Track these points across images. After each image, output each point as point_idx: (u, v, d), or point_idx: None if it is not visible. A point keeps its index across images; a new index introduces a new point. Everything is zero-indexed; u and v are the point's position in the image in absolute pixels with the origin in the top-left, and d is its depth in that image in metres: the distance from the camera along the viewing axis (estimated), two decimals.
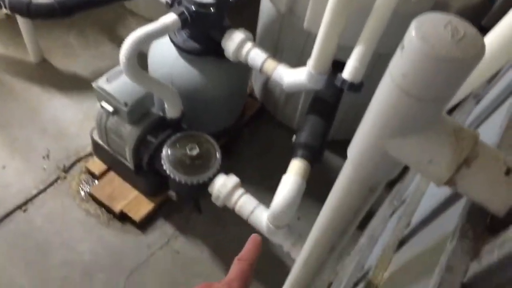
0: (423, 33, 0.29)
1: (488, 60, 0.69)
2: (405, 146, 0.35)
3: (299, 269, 0.63)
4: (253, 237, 0.49)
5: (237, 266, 0.47)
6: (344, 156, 1.56)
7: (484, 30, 0.75)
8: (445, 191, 0.55)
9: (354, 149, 0.40)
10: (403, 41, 0.31)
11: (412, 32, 0.30)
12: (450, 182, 0.34)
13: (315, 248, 0.55)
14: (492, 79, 0.91)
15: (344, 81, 1.06)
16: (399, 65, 0.32)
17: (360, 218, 0.48)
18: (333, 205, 0.48)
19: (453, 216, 0.49)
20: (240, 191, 1.18)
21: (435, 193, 0.62)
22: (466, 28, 0.30)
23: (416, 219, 0.62)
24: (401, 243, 0.62)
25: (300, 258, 0.61)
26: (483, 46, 0.29)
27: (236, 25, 1.27)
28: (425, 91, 0.31)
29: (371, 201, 0.44)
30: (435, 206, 0.54)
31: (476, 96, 0.96)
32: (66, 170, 1.53)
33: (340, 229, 0.49)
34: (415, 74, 0.30)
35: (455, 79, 0.30)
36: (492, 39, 0.78)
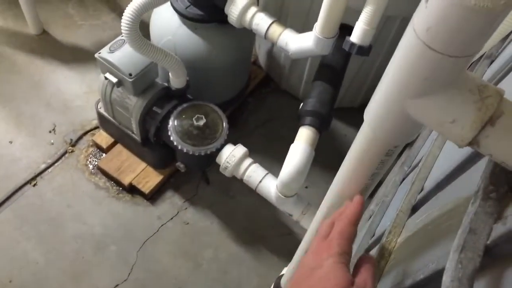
0: None
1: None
2: (427, 106, 0.33)
3: (311, 238, 0.62)
4: (357, 198, 0.44)
5: (338, 224, 0.43)
6: (349, 123, 1.55)
7: None
8: (461, 155, 0.53)
9: (372, 111, 0.39)
10: None
11: None
12: (473, 142, 0.33)
13: (329, 215, 0.54)
14: (505, 38, 0.88)
15: (352, 44, 1.02)
16: (423, 18, 0.30)
17: (375, 183, 0.47)
18: (347, 170, 0.46)
19: (471, 179, 0.48)
20: (248, 161, 1.17)
21: (449, 157, 0.60)
22: None
23: (429, 184, 0.61)
24: (415, 208, 0.62)
25: (313, 226, 0.61)
26: None
27: None
28: (450, 45, 0.29)
29: (388, 166, 0.43)
30: (450, 170, 0.53)
31: (489, 57, 0.93)
32: (73, 144, 1.53)
33: (354, 195, 0.48)
34: (441, 27, 0.28)
35: (483, 31, 0.28)
36: None
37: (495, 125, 0.32)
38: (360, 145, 0.42)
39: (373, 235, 0.79)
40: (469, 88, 0.32)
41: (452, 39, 0.29)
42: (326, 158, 1.52)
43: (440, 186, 0.55)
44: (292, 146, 1.06)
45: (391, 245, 0.59)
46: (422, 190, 0.63)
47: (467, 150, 0.52)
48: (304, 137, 1.07)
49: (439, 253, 0.40)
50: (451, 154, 0.59)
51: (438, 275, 0.36)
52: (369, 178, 0.45)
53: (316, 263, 0.40)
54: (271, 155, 1.46)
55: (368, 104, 0.40)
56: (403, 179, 0.86)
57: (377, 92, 0.38)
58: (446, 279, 0.29)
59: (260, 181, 1.15)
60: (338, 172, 0.49)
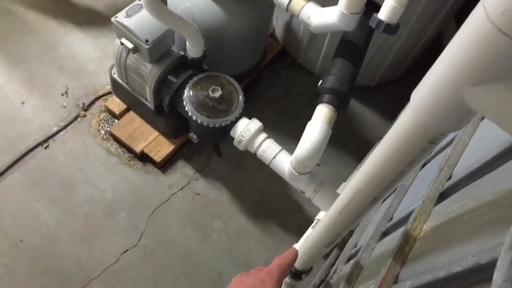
0: None
1: None
2: (486, 94, 0.31)
3: (333, 217, 0.61)
4: (292, 249, 0.60)
5: (278, 261, 0.57)
6: (365, 103, 1.52)
7: None
8: (498, 145, 0.51)
9: (421, 94, 0.37)
10: None
11: None
12: None
13: (356, 197, 0.53)
14: None
15: (380, 21, 0.99)
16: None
17: (413, 169, 0.45)
18: (384, 153, 0.45)
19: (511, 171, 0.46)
20: (263, 135, 1.16)
21: (483, 146, 0.59)
22: None
23: (459, 172, 0.60)
24: (442, 195, 0.60)
25: (336, 206, 0.60)
26: None
27: None
28: None
29: (427, 155, 0.41)
30: (486, 160, 0.51)
31: None
32: (86, 108, 1.51)
33: (389, 180, 0.47)
34: None
35: None
36: None
37: None
38: (402, 129, 0.41)
39: (391, 219, 0.78)
40: None
41: None
42: (340, 137, 1.50)
43: (473, 175, 0.54)
44: (310, 124, 1.04)
45: (416, 232, 0.58)
46: (450, 177, 0.62)
47: (506, 140, 0.50)
48: (322, 115, 1.05)
49: (478, 247, 0.39)
50: (485, 143, 0.57)
51: (478, 269, 0.35)
52: (406, 164, 0.44)
53: (259, 281, 0.53)
54: (285, 130, 1.45)
55: (417, 87, 0.38)
56: (425, 164, 0.84)
57: (430, 74, 0.36)
58: (497, 278, 0.28)
59: (274, 157, 1.13)
60: (373, 153, 0.47)
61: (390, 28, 1.00)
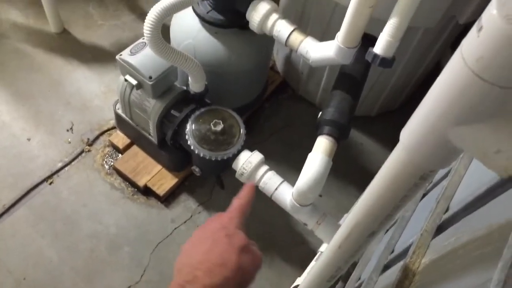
0: (508, 11, 0.26)
1: None
2: (470, 134, 0.33)
3: (332, 252, 0.62)
4: (249, 184, 0.60)
5: (237, 201, 0.57)
6: (365, 132, 1.54)
7: None
8: (490, 178, 0.52)
9: (409, 133, 0.38)
10: (480, 21, 0.28)
11: (493, 11, 0.27)
12: None
13: (354, 231, 0.54)
14: None
15: (375, 55, 1.01)
16: (474, 47, 0.29)
17: (406, 204, 0.46)
18: (377, 189, 0.46)
19: (504, 205, 0.47)
20: (264, 168, 1.17)
21: (477, 179, 0.59)
22: None
23: (456, 204, 0.60)
24: (440, 228, 0.60)
25: (335, 240, 0.60)
26: None
27: None
28: (502, 77, 0.28)
29: (420, 190, 0.42)
30: (479, 193, 0.52)
31: None
32: (90, 143, 1.54)
33: (384, 215, 0.47)
34: (494, 59, 0.28)
35: None
36: None
37: None
38: (393, 166, 0.42)
39: (392, 251, 0.78)
40: None
41: (506, 70, 0.28)
42: (342, 167, 1.51)
43: (469, 208, 0.54)
44: (310, 156, 1.05)
45: (415, 265, 0.58)
46: (447, 210, 0.62)
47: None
48: (322, 147, 1.06)
49: (472, 283, 0.39)
50: (479, 175, 0.58)
51: None
52: (399, 200, 0.45)
53: (221, 226, 0.52)
54: (287, 162, 1.46)
55: (405, 125, 0.39)
56: (424, 195, 0.84)
57: (417, 114, 0.37)
58: None
59: (276, 189, 1.14)
60: (366, 190, 0.48)
61: (385, 62, 1.02)
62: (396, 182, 0.42)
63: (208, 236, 0.52)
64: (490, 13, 0.27)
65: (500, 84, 0.29)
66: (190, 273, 0.49)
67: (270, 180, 1.15)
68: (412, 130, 0.38)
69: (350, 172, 1.54)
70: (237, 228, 0.53)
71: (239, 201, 0.57)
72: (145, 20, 1.07)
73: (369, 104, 1.67)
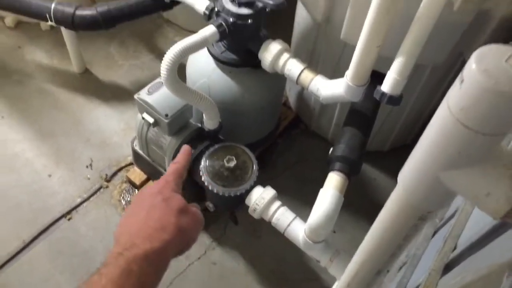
0: (485, 66, 0.29)
1: None
2: (461, 178, 0.34)
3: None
4: (185, 147, 0.63)
5: (173, 166, 0.58)
6: (378, 167, 1.54)
7: None
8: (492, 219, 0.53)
9: (406, 175, 0.40)
10: (462, 74, 0.31)
11: (472, 65, 0.30)
12: (508, 215, 0.33)
13: (360, 271, 0.55)
14: None
15: (383, 94, 1.04)
16: (457, 97, 0.31)
17: (410, 243, 0.47)
18: (380, 231, 0.47)
19: (504, 245, 0.47)
20: (277, 203, 1.18)
21: (483, 217, 0.60)
22: None
23: (463, 242, 0.61)
24: (448, 266, 0.60)
25: (344, 278, 0.61)
26: None
27: (273, 34, 1.28)
28: (485, 125, 0.30)
29: (421, 229, 0.43)
30: (483, 232, 0.53)
31: None
32: (108, 179, 1.58)
33: (388, 253, 0.48)
34: (475, 108, 0.30)
35: None
36: None
37: None
38: (393, 207, 0.43)
39: None
40: (504, 163, 0.33)
41: (487, 119, 0.30)
42: (355, 202, 1.51)
43: (474, 247, 0.55)
44: (321, 192, 1.07)
45: None
46: (455, 248, 0.62)
47: None
48: (333, 182, 1.07)
49: None
50: (483, 215, 0.58)
51: None
52: (402, 239, 0.46)
53: (157, 191, 0.53)
54: (300, 197, 1.47)
55: (402, 168, 0.41)
56: (435, 232, 0.84)
57: (412, 159, 0.39)
58: None
59: (288, 225, 1.15)
60: (370, 230, 0.50)
61: (393, 100, 1.05)
62: (396, 223, 0.44)
63: (145, 203, 0.53)
64: (470, 67, 0.30)
65: (483, 131, 0.31)
66: (129, 241, 0.48)
67: (283, 216, 1.16)
68: (408, 173, 0.39)
69: (363, 207, 1.54)
70: (173, 191, 0.54)
71: (175, 166, 0.58)
72: (162, 61, 1.12)
73: (381, 139, 1.68)
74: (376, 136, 1.64)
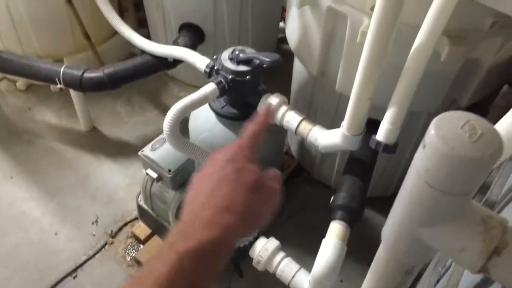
0: (443, 133, 0.32)
1: None
2: (436, 234, 0.36)
3: None
4: (266, 104, 0.51)
5: (250, 127, 0.49)
6: (383, 213, 1.53)
7: None
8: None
9: (388, 233, 0.42)
10: (424, 139, 0.34)
11: (431, 131, 0.32)
12: (483, 270, 0.35)
13: None
14: None
15: (378, 143, 1.07)
16: (422, 160, 0.34)
17: None
18: (372, 282, 0.48)
19: None
20: (281, 255, 1.18)
21: None
22: (483, 126, 0.32)
23: None
24: None
25: None
26: (500, 144, 0.31)
27: (271, 88, 1.33)
28: (448, 186, 0.33)
29: (409, 282, 0.45)
30: (476, 283, 0.53)
31: None
32: (114, 235, 1.59)
33: None
34: (438, 170, 0.32)
35: (476, 176, 0.32)
36: None
37: (501, 255, 0.34)
38: (379, 263, 0.45)
39: None
40: (475, 220, 0.35)
41: (449, 181, 0.32)
42: (361, 249, 1.49)
43: None
44: (324, 242, 1.07)
45: None
46: None
47: None
48: (335, 232, 1.08)
49: None
50: None
51: None
52: None
53: (229, 158, 0.45)
54: (304, 246, 1.46)
55: (384, 225, 0.43)
56: (438, 280, 0.84)
57: (391, 217, 0.41)
58: None
59: (293, 277, 1.14)
60: (364, 282, 0.50)
61: (388, 148, 1.07)
62: (384, 277, 0.45)
63: (214, 171, 0.44)
64: (430, 133, 0.33)
65: (449, 191, 0.33)
66: (190, 220, 0.41)
67: (287, 267, 1.15)
68: (389, 230, 0.41)
69: (369, 254, 1.50)
70: (247, 160, 0.45)
71: (252, 128, 0.48)
72: (165, 119, 1.17)
73: (383, 185, 1.69)
74: (378, 181, 1.65)
